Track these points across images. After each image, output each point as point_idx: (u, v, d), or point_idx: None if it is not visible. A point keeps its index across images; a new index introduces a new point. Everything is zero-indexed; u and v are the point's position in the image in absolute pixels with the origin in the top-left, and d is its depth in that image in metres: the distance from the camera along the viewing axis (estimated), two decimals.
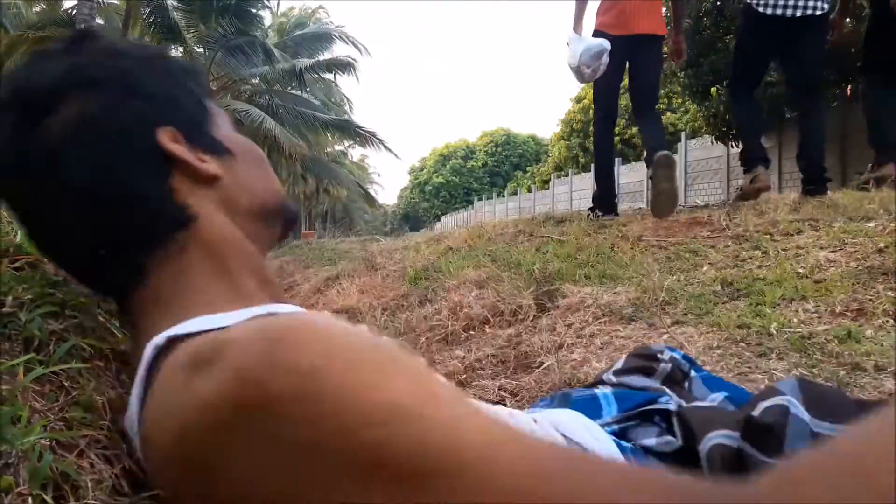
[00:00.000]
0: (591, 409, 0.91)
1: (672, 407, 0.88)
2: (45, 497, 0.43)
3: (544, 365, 2.34)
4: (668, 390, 0.99)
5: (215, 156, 0.71)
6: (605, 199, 4.78)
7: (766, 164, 4.24)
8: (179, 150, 0.67)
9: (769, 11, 3.80)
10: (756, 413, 0.79)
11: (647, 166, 4.28)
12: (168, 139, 0.66)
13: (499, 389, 2.14)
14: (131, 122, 0.66)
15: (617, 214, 4.76)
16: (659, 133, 4.35)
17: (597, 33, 4.25)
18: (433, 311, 3.31)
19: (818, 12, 3.78)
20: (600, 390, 0.97)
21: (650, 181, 4.25)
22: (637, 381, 1.05)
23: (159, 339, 0.55)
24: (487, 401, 2.04)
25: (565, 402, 0.97)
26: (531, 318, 3.01)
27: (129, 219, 0.64)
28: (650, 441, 0.84)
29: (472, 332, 2.99)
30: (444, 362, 2.62)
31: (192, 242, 0.65)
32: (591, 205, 4.85)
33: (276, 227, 0.77)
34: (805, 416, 0.78)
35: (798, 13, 3.75)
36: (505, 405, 2.01)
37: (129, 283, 0.65)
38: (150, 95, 0.69)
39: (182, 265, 0.64)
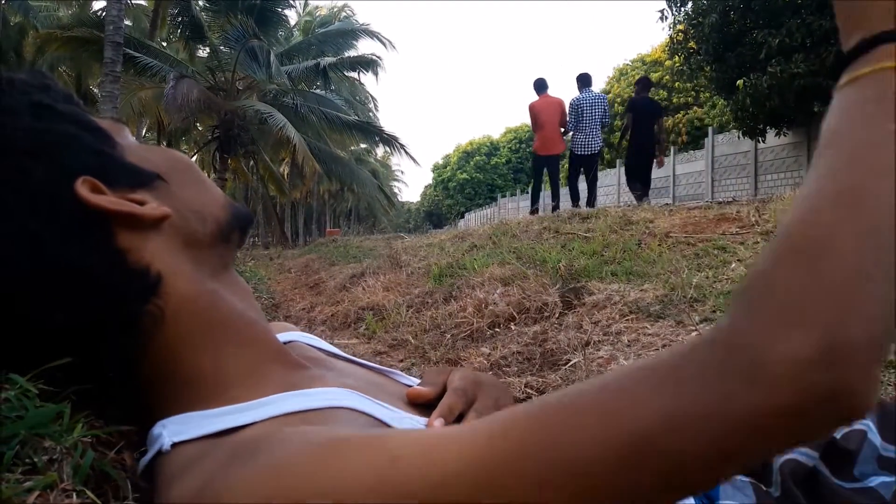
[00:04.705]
0: None
1: None
2: (87, 493, 0.44)
3: (571, 362, 2.33)
4: None
5: (145, 189, 0.59)
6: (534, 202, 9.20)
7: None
8: (110, 200, 0.55)
9: (578, 152, 8.71)
10: (838, 436, 0.78)
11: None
12: (88, 192, 0.54)
13: (525, 387, 2.14)
14: (40, 186, 0.53)
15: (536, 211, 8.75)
16: (554, 187, 9.23)
17: (533, 153, 9.19)
18: (458, 308, 3.31)
19: (594, 152, 8.62)
20: None
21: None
22: None
23: (165, 443, 0.51)
24: (515, 399, 2.04)
25: None
26: (557, 315, 3.00)
27: (83, 306, 0.53)
28: None
29: (497, 330, 2.99)
30: (470, 359, 2.62)
31: (167, 310, 0.55)
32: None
33: (235, 239, 0.67)
34: (877, 440, 0.77)
35: (587, 153, 8.63)
36: None
37: (108, 381, 0.57)
38: (45, 144, 0.55)
39: (164, 343, 0.56)
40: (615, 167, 22.53)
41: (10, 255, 0.51)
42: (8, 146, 0.53)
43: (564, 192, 10.29)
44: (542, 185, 9.02)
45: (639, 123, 8.61)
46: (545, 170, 9.06)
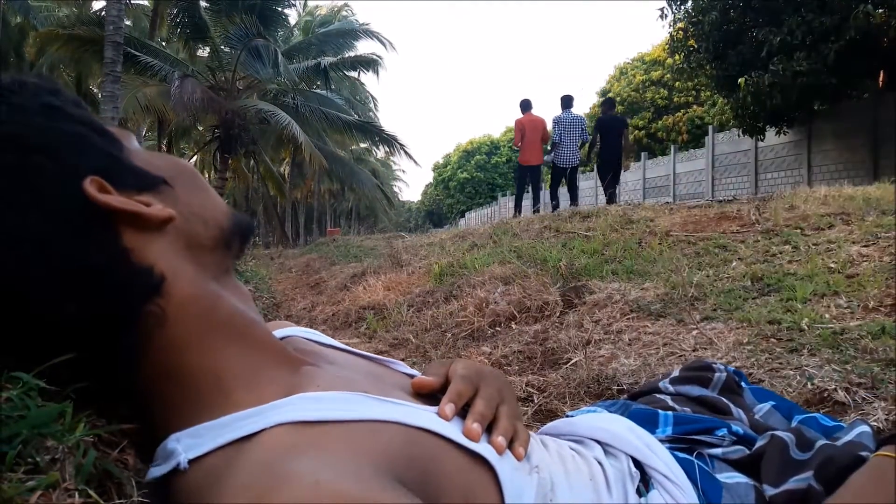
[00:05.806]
0: (647, 423, 0.89)
1: (739, 430, 0.89)
2: (90, 492, 0.44)
3: (572, 361, 2.33)
4: (731, 406, 0.98)
5: (151, 192, 0.60)
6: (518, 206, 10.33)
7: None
8: (118, 200, 0.56)
9: (561, 165, 9.90)
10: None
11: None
12: (96, 191, 0.55)
13: (526, 385, 2.14)
14: (48, 183, 0.54)
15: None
16: (535, 195, 10.39)
17: (518, 164, 10.50)
18: (459, 308, 3.31)
19: (574, 165, 10.16)
20: (662, 411, 0.94)
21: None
22: (694, 390, 1.04)
23: (182, 461, 0.52)
24: (518, 398, 2.04)
25: (625, 410, 0.97)
26: (558, 314, 3.00)
27: (86, 304, 0.53)
28: (716, 451, 0.85)
29: (498, 329, 2.99)
30: (471, 358, 2.62)
31: (169, 310, 0.56)
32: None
33: (236, 246, 0.68)
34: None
35: (569, 166, 9.93)
36: (533, 401, 2.01)
37: (109, 380, 0.57)
38: (55, 143, 0.56)
39: (165, 343, 0.56)
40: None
41: (16, 250, 0.52)
42: (18, 143, 0.54)
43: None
44: (525, 192, 10.53)
45: (605, 138, 10.06)
46: (528, 178, 10.49)
